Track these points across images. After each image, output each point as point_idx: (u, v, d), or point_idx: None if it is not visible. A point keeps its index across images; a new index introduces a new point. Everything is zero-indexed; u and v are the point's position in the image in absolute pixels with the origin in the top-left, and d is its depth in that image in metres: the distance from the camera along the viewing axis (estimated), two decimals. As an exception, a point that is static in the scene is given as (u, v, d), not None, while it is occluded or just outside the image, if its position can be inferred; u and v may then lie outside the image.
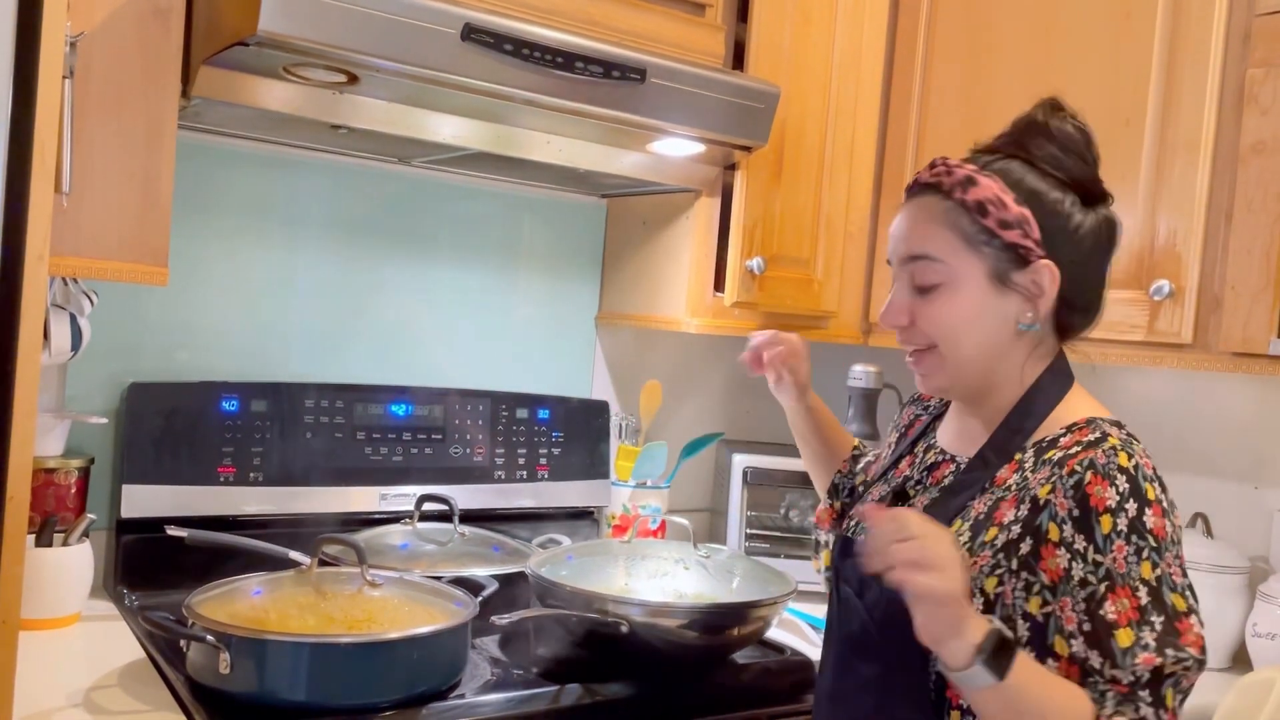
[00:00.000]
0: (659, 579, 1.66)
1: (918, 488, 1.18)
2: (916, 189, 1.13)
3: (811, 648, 1.63)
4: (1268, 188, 1.47)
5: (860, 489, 1.35)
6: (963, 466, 1.13)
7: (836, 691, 1.16)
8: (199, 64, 1.40)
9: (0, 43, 0.97)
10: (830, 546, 1.29)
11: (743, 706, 1.46)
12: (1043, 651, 1.00)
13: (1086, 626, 0.97)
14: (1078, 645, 0.97)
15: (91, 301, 1.53)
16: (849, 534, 1.21)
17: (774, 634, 1.60)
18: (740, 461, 2.09)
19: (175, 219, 1.41)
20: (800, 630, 1.69)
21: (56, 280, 1.48)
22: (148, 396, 1.64)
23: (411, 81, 1.42)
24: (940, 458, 1.18)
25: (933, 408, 1.29)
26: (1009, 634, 0.95)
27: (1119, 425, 1.07)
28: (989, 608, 1.02)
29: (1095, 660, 0.97)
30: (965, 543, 1.05)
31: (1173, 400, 1.89)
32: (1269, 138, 1.47)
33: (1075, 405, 1.11)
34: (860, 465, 1.41)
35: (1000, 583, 1.02)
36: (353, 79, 1.42)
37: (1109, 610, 0.97)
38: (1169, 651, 0.95)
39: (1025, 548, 1.02)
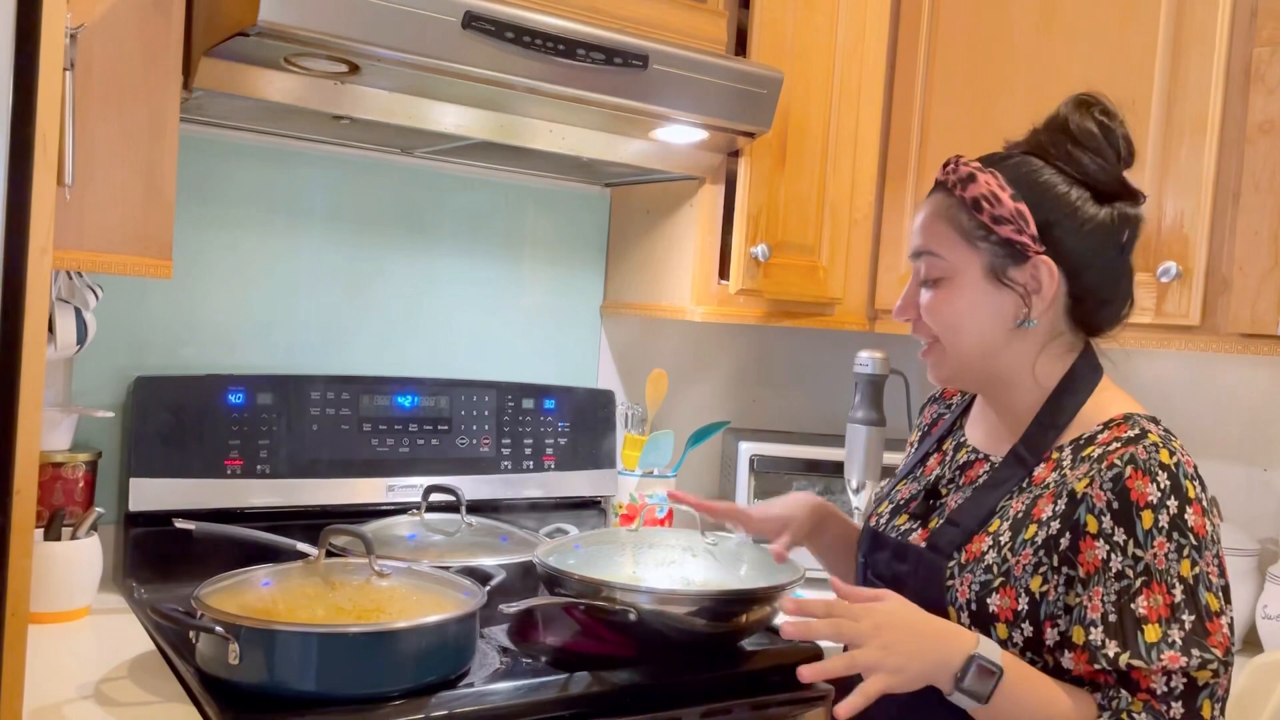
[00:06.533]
0: (667, 567, 1.66)
1: (950, 486, 1.18)
2: (934, 187, 1.15)
3: (820, 634, 1.62)
4: (1275, 168, 1.46)
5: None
6: (996, 465, 1.13)
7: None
8: (200, 55, 1.39)
9: (0, 36, 0.97)
10: (860, 539, 1.28)
11: (751, 693, 1.46)
12: (1064, 644, 1.00)
13: (1112, 618, 0.97)
14: (1095, 634, 0.97)
15: (97, 295, 1.53)
16: (878, 528, 1.22)
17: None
18: (747, 449, 2.08)
19: (179, 212, 1.42)
20: (808, 617, 1.69)
21: (61, 274, 1.48)
22: (154, 390, 1.64)
23: (413, 71, 1.42)
24: (973, 456, 1.18)
25: (955, 405, 1.29)
26: (991, 660, 0.96)
27: (1155, 421, 1.06)
28: (1034, 607, 1.02)
29: (1111, 649, 0.96)
30: (1006, 542, 1.05)
31: (1181, 382, 1.88)
32: (1276, 117, 1.46)
33: (1108, 400, 1.10)
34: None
35: (1044, 580, 1.02)
36: (354, 69, 1.42)
37: (1140, 605, 0.96)
38: (1194, 651, 0.94)
39: (1065, 542, 1.01)
